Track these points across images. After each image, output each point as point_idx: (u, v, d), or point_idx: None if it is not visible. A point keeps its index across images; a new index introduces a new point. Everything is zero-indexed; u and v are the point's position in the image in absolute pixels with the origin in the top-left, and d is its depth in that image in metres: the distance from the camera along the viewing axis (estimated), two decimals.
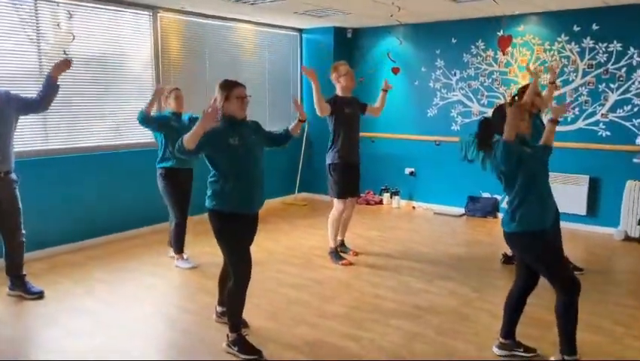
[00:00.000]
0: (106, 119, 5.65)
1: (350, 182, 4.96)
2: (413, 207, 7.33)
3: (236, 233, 3.19)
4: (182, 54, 6.29)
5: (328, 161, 4.96)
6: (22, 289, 4.12)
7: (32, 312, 3.89)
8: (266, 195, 7.17)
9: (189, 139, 2.96)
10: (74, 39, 4.89)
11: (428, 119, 7.17)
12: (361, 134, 7.50)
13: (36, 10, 4.93)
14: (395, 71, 6.62)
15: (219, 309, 3.68)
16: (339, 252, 5.03)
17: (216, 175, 3.17)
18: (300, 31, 7.77)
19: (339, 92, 4.95)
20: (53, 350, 3.32)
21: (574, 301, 2.92)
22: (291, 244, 5.59)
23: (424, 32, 7.10)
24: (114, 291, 4.28)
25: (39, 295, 4.10)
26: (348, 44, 7.72)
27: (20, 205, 4.08)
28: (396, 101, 7.44)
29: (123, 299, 4.12)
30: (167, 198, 4.74)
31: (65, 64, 4.06)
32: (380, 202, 7.55)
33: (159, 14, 5.94)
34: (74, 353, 3.27)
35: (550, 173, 6.21)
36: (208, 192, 3.19)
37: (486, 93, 6.72)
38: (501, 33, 6.28)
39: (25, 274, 4.18)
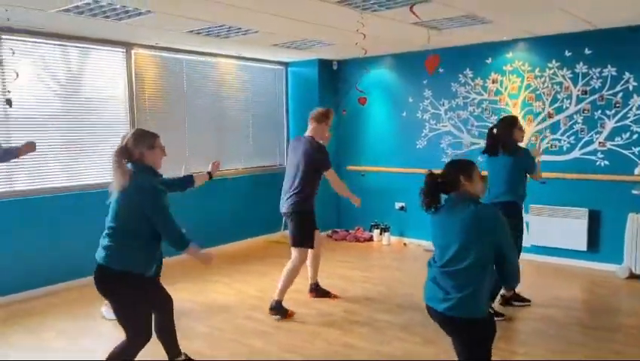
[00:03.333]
0: (81, 160, 5.47)
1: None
2: (404, 244, 6.97)
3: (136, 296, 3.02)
4: (159, 91, 6.14)
5: (302, 209, 4.61)
6: None
7: None
8: (250, 232, 6.77)
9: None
10: (17, 77, 4.76)
11: (417, 150, 6.87)
12: (350, 167, 7.44)
13: (0, 50, 4.83)
14: (362, 101, 6.41)
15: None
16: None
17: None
18: (286, 64, 7.62)
19: None
20: None
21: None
22: (266, 286, 5.25)
23: (410, 62, 6.87)
24: (71, 343, 3.98)
25: None
26: (335, 76, 7.54)
27: None
28: (384, 133, 7.21)
29: (78, 353, 3.80)
30: None
31: (32, 147, 4.14)
32: (370, 239, 7.20)
33: (133, 51, 5.82)
34: None
35: (546, 206, 5.89)
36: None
37: (475, 123, 6.42)
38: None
39: None
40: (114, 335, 4.12)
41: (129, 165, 2.90)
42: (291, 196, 4.50)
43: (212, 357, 3.62)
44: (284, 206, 4.56)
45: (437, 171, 2.70)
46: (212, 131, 6.79)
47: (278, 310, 4.40)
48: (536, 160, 4.47)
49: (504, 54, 6.19)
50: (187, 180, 3.49)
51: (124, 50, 5.77)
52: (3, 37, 4.82)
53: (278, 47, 6.22)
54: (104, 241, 2.88)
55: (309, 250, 4.70)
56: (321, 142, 4.55)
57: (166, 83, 6.22)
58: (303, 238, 4.49)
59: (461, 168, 2.63)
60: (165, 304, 3.22)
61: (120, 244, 2.85)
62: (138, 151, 2.91)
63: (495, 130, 4.39)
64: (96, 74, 5.58)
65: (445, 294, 2.48)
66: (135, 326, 2.91)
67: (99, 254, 2.86)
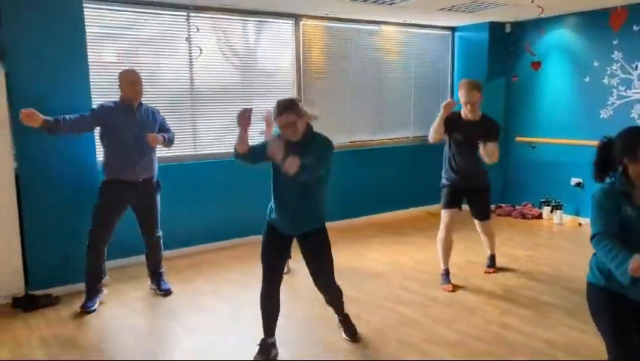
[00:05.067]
0: (252, 127, 5.89)
1: (456, 198, 4.45)
2: (579, 224, 6.32)
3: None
4: (324, 61, 6.32)
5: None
6: (155, 284, 4.47)
7: (163, 305, 4.19)
8: (410, 202, 6.59)
9: None
10: (201, 53, 5.22)
11: (600, 121, 6.11)
12: (519, 138, 6.92)
13: (189, 27, 5.37)
14: (535, 66, 5.81)
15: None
16: (447, 274, 4.47)
17: None
18: (453, 29, 7.27)
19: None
20: (166, 342, 3.54)
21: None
22: (423, 258, 5.20)
23: (598, 20, 6.07)
24: (239, 292, 4.40)
25: (166, 293, 4.37)
26: (506, 40, 7.00)
27: (159, 208, 4.38)
28: (561, 100, 6.54)
29: (245, 301, 4.17)
30: None
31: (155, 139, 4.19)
32: (539, 216, 6.66)
33: (301, 22, 6.05)
34: (183, 346, 3.43)
35: None
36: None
37: None
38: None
39: (162, 272, 4.51)
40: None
41: None
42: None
43: (366, 322, 3.70)
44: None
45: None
46: (374, 99, 6.81)
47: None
48: None
49: None
50: None
51: (293, 22, 6.02)
52: (191, 14, 5.35)
53: (444, 10, 5.95)
54: None
55: (478, 225, 4.66)
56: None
57: (331, 52, 6.36)
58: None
59: (624, 142, 2.25)
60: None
61: None
62: None
63: None
64: (268, 45, 5.93)
65: None
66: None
67: None
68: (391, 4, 5.45)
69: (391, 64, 6.89)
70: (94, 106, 4.21)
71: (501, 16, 6.53)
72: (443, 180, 4.49)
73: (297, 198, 3.01)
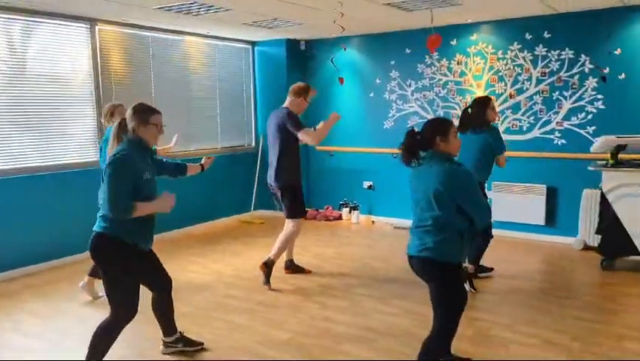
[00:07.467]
0: (45, 138, 5.30)
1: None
2: (373, 222, 7.15)
3: (127, 266, 2.94)
4: (125, 68, 6.00)
5: (290, 182, 4.65)
6: None
7: None
8: (221, 212, 6.76)
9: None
10: None
11: (384, 131, 7.03)
12: (319, 147, 7.52)
13: None
14: (342, 80, 6.48)
15: (167, 339, 3.41)
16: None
17: None
18: (253, 44, 7.57)
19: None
20: None
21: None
22: (241, 265, 5.32)
23: (378, 43, 6.98)
24: (48, 325, 3.92)
25: None
26: (302, 56, 7.56)
27: None
28: (352, 113, 7.31)
29: (54, 334, 3.76)
30: None
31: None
32: (339, 218, 7.35)
33: (97, 27, 5.65)
34: None
35: (507, 183, 6.16)
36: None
37: (441, 104, 6.61)
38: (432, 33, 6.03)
39: None
40: (90, 316, 4.11)
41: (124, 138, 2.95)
42: (276, 171, 4.60)
43: (197, 334, 3.66)
44: (272, 181, 4.65)
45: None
46: (180, 110, 6.70)
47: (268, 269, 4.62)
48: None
49: (468, 36, 6.38)
50: (181, 169, 3.52)
51: (88, 26, 5.59)
52: None
53: (247, 25, 6.18)
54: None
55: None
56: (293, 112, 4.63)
57: (132, 60, 6.08)
58: (296, 209, 4.66)
59: (437, 127, 2.79)
60: (164, 284, 3.24)
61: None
62: (131, 126, 2.94)
63: (469, 110, 4.53)
64: (60, 51, 5.40)
65: (419, 240, 2.76)
66: (118, 300, 2.91)
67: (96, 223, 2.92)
68: (197, 15, 5.46)
69: (197, 75, 6.86)
70: None
71: (298, 34, 7.03)
72: (293, 182, 4.65)
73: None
